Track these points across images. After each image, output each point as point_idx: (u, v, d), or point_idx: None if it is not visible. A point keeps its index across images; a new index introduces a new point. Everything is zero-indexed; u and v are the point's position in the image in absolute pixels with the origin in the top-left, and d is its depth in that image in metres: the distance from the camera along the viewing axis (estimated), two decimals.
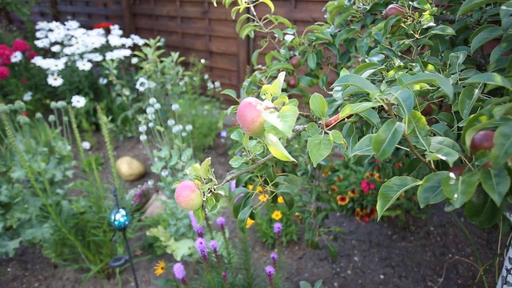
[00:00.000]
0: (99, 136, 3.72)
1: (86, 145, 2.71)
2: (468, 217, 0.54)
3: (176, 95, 2.46)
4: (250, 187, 1.07)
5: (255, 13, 1.24)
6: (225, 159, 3.32)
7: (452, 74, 0.70)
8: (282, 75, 0.47)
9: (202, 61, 3.43)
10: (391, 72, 0.78)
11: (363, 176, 2.45)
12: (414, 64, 0.75)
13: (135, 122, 3.13)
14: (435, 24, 0.86)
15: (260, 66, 1.33)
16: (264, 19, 1.28)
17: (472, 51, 0.65)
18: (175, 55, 2.63)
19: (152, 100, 1.70)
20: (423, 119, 0.51)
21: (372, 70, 0.80)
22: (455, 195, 0.44)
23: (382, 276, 1.99)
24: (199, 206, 0.58)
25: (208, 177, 0.59)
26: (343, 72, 0.89)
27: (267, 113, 0.42)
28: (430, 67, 0.74)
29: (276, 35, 1.26)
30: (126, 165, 2.91)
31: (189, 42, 3.95)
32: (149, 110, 1.69)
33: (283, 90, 1.23)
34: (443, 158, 0.44)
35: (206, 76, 3.38)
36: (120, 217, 1.45)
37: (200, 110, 3.15)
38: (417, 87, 0.62)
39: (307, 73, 1.26)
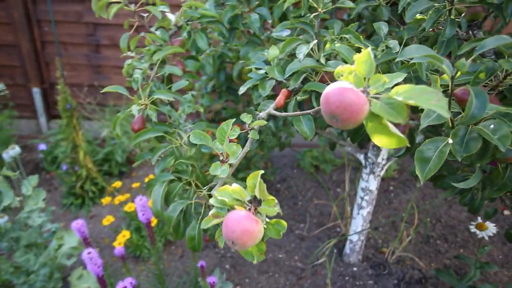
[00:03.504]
0: None
1: None
2: (464, 158, 0.63)
3: None
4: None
5: None
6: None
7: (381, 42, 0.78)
8: (370, 50, 0.39)
9: None
10: (328, 45, 0.80)
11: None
12: (347, 36, 0.79)
13: None
14: None
15: (129, 53, 1.09)
16: None
17: (408, 21, 0.74)
18: None
19: None
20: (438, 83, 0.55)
21: (306, 46, 0.79)
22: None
23: None
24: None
25: (266, 198, 0.45)
26: (272, 50, 0.84)
27: (403, 96, 0.35)
28: (357, 35, 0.80)
29: (147, 15, 1.05)
30: None
31: None
32: None
33: (170, 80, 1.06)
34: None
35: None
36: None
37: None
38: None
39: (190, 56, 1.13)
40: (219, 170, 0.61)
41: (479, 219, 1.46)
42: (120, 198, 1.78)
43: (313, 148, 2.88)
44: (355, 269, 1.91)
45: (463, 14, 0.82)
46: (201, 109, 0.97)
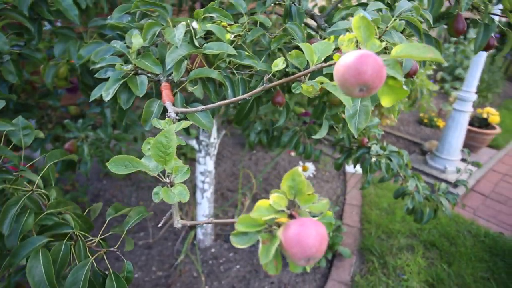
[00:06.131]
0: None
1: None
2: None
3: None
4: None
5: None
6: None
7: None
8: (364, 13, 0.39)
9: None
10: (199, 27, 0.72)
11: None
12: (212, 14, 0.74)
13: None
14: None
15: None
16: None
17: None
18: None
19: None
20: None
21: (179, 30, 0.70)
22: None
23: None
24: None
25: (303, 195, 0.37)
26: (135, 38, 0.71)
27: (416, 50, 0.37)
28: (224, 13, 0.76)
29: None
30: None
31: None
32: None
33: None
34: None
35: None
36: None
37: None
38: None
39: None
40: (175, 195, 0.47)
41: (301, 163, 1.78)
42: None
43: None
44: (213, 250, 1.95)
45: None
46: (42, 135, 0.69)
